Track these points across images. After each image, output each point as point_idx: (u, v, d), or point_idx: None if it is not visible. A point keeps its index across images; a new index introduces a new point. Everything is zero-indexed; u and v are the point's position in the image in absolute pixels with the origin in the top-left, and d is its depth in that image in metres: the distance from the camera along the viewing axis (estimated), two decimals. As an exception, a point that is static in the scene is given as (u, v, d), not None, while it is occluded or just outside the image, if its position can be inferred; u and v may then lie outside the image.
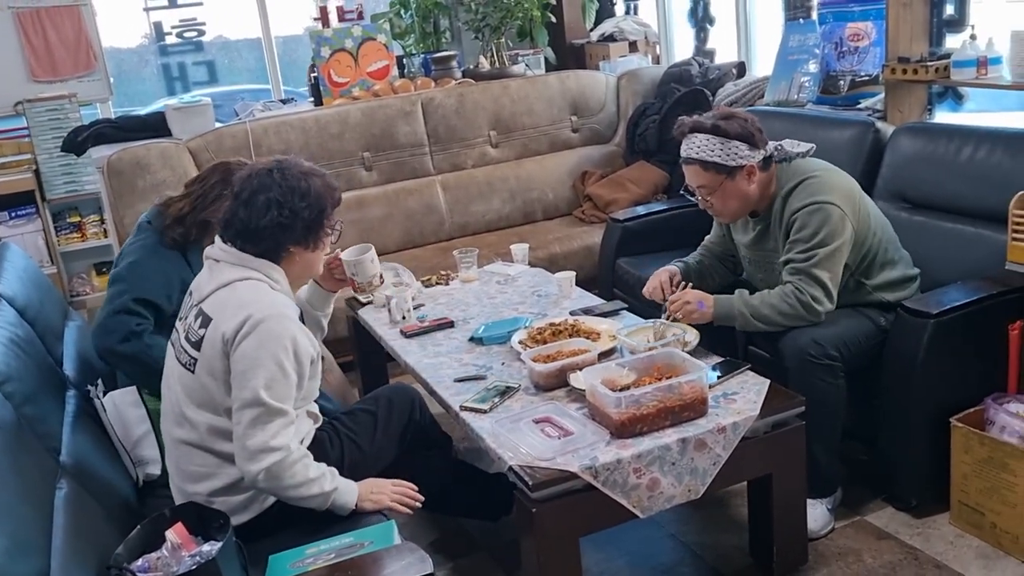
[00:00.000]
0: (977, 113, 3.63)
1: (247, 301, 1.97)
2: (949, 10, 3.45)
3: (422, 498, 2.12)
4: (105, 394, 2.38)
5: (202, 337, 1.98)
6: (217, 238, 2.11)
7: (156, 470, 2.33)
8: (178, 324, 2.13)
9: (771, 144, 2.51)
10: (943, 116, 3.58)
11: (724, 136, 2.45)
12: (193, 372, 2.00)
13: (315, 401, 2.16)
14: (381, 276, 2.50)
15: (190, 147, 4.08)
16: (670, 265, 2.78)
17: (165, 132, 4.32)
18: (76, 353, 2.60)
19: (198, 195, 2.56)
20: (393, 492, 2.08)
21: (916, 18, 3.28)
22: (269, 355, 1.92)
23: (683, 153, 2.52)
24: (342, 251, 2.48)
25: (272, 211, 2.01)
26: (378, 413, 2.28)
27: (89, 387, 2.35)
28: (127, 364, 2.46)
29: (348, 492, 2.01)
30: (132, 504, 2.17)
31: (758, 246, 2.64)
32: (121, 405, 2.36)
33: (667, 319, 2.50)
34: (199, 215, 2.54)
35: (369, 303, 3.13)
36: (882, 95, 3.48)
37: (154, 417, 2.33)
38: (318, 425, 2.18)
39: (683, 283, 2.64)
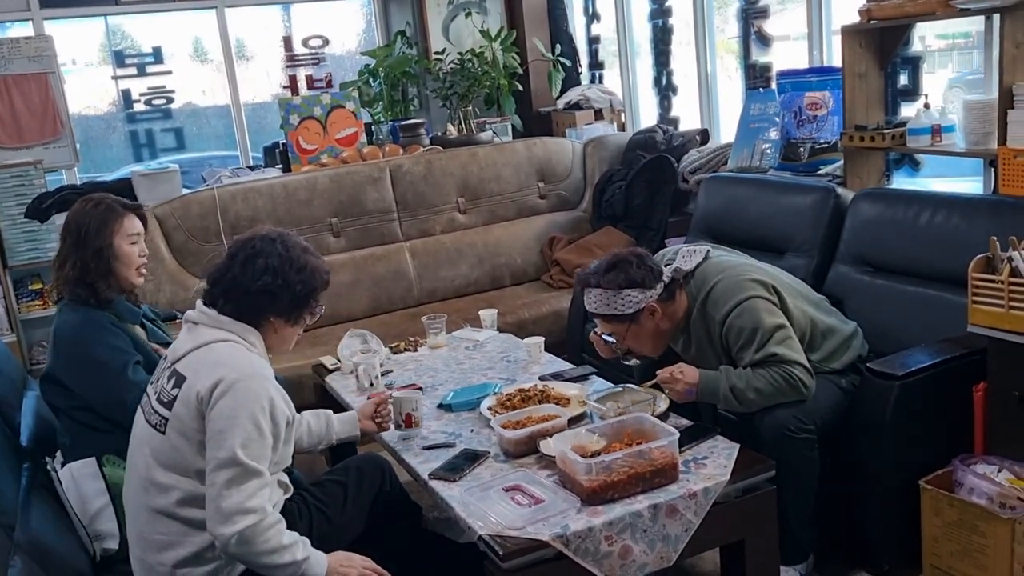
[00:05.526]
0: (933, 179, 3.72)
1: (223, 361, 1.96)
2: (903, 80, 3.56)
3: (389, 576, 2.08)
4: (63, 465, 2.31)
5: (175, 397, 1.96)
6: (198, 301, 2.09)
7: (114, 544, 2.26)
8: (149, 388, 2.09)
9: (667, 272, 2.48)
10: (901, 182, 3.67)
11: (613, 289, 2.43)
12: (163, 433, 1.97)
13: (283, 470, 2.12)
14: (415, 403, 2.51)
15: (156, 213, 4.06)
16: None
17: (131, 199, 4.28)
18: (34, 423, 2.53)
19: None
20: (362, 568, 2.03)
21: (871, 88, 3.39)
22: (246, 414, 1.89)
23: (586, 306, 2.53)
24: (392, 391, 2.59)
25: (267, 276, 2.03)
26: (348, 484, 2.24)
27: (47, 458, 2.29)
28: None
29: (318, 564, 1.97)
30: (88, 581, 2.11)
31: (686, 352, 2.65)
32: (79, 477, 2.30)
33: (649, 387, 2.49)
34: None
35: (336, 370, 3.11)
36: (841, 162, 3.56)
37: (113, 489, 2.27)
38: (288, 495, 2.14)
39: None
